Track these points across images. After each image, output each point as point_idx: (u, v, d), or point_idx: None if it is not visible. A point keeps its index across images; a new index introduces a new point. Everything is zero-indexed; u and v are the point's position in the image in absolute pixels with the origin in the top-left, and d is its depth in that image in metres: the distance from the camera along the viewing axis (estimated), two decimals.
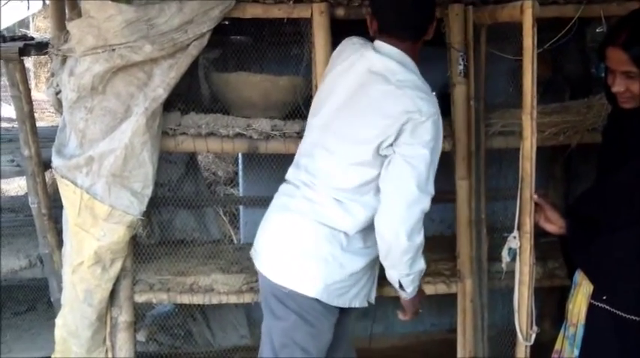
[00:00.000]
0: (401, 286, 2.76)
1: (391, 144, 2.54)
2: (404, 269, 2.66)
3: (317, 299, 2.65)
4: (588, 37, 3.62)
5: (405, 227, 2.54)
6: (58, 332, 3.23)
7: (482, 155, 3.21)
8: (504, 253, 2.71)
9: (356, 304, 2.78)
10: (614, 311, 2.41)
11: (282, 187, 2.82)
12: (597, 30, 3.32)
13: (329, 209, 2.65)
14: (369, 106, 2.57)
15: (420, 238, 2.60)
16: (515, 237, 2.65)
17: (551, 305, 3.90)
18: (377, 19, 2.68)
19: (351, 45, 2.75)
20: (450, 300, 3.43)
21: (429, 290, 3.31)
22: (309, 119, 2.83)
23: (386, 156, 2.57)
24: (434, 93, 2.60)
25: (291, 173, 2.80)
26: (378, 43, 2.67)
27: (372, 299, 2.91)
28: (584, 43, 3.71)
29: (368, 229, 2.67)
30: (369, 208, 2.63)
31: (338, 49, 2.82)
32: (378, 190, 2.60)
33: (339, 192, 2.64)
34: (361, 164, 2.60)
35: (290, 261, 2.69)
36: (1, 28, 4.76)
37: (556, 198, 3.92)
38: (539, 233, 2.64)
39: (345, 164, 2.63)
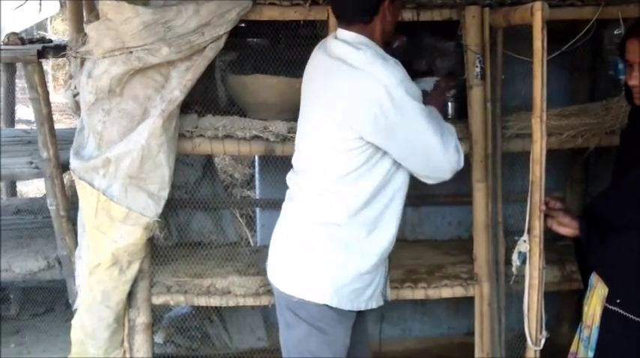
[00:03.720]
0: None
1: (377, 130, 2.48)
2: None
3: (328, 305, 2.59)
4: (606, 39, 3.60)
5: (451, 165, 2.58)
6: (75, 333, 3.24)
7: (499, 157, 3.20)
8: (514, 257, 2.69)
9: (372, 305, 2.72)
10: (627, 315, 2.39)
11: (287, 192, 2.80)
12: (615, 32, 3.30)
13: (320, 203, 2.60)
14: (336, 93, 2.52)
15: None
16: (525, 241, 2.63)
17: (569, 308, 3.88)
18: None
19: (318, 45, 2.74)
20: (467, 303, 3.43)
21: (447, 293, 3.31)
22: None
23: (372, 144, 2.50)
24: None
25: (288, 177, 2.78)
26: (337, 31, 2.64)
27: (387, 296, 2.87)
28: (602, 45, 3.69)
29: (365, 216, 2.60)
30: (361, 191, 2.56)
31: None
32: (368, 175, 2.54)
33: (328, 184, 2.58)
34: (345, 151, 2.52)
35: (295, 269, 2.66)
36: (20, 30, 4.78)
37: (575, 200, 3.91)
38: (556, 236, 2.62)
39: (327, 154, 2.57)
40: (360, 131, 2.46)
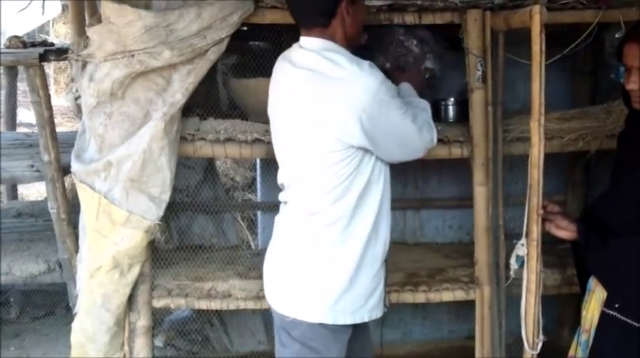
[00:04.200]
0: None
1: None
2: None
3: (322, 324, 2.54)
4: (607, 43, 3.59)
5: (425, 146, 2.64)
6: (75, 336, 3.24)
7: (500, 161, 3.20)
8: (512, 260, 2.69)
9: (377, 315, 2.67)
10: (626, 320, 2.39)
11: (280, 206, 2.75)
12: (616, 35, 3.30)
13: (311, 220, 2.56)
14: (315, 105, 2.45)
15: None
16: (523, 245, 2.63)
17: (569, 311, 3.88)
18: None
19: (281, 57, 2.68)
20: (468, 307, 3.42)
21: (448, 296, 3.31)
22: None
23: (361, 148, 2.47)
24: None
25: (280, 194, 2.73)
26: (300, 39, 2.59)
27: (387, 303, 2.81)
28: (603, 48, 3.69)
29: (357, 227, 2.54)
30: (349, 203, 2.51)
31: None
32: (354, 184, 2.49)
33: (317, 200, 2.52)
34: (333, 164, 2.47)
35: (288, 288, 2.62)
36: (22, 34, 4.78)
37: (576, 203, 3.91)
38: (556, 240, 2.62)
39: (315, 169, 2.51)
40: (349, 140, 2.42)
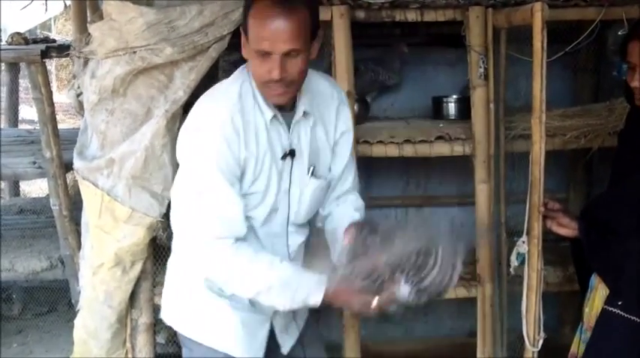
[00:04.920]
0: None
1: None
2: None
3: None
4: (609, 40, 3.59)
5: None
6: (77, 333, 3.24)
7: (502, 158, 3.20)
8: (513, 257, 2.70)
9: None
10: (629, 317, 2.39)
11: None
12: (619, 33, 3.30)
13: None
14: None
15: None
16: (524, 242, 2.63)
17: (571, 309, 3.88)
18: None
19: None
20: (469, 304, 3.42)
21: (449, 294, 3.30)
22: None
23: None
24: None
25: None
26: None
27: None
28: (606, 45, 3.69)
29: None
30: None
31: None
32: None
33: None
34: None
35: None
36: (24, 31, 4.79)
37: (578, 201, 3.91)
38: (558, 237, 2.62)
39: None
40: None
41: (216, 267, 2.18)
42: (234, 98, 2.14)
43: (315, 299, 2.11)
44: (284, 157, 2.22)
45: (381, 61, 3.67)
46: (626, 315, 2.39)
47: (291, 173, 2.25)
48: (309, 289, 2.12)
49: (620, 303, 2.41)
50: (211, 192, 2.12)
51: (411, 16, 3.11)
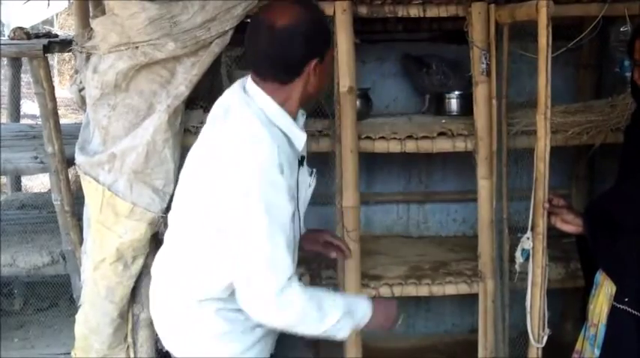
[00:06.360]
0: None
1: None
2: None
3: None
4: (612, 36, 3.59)
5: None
6: (79, 328, 3.24)
7: (504, 154, 3.20)
8: (518, 254, 2.70)
9: None
10: (636, 313, 2.39)
11: None
12: (621, 29, 3.30)
13: None
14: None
15: None
16: (528, 238, 2.63)
17: (574, 306, 3.88)
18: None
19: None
20: (471, 301, 3.42)
21: (451, 290, 3.31)
22: None
23: None
24: None
25: None
26: (249, 81, 2.27)
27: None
28: (608, 41, 3.69)
29: None
30: None
31: None
32: None
33: None
34: None
35: None
36: (26, 25, 4.79)
37: (580, 197, 3.91)
38: (561, 234, 2.62)
39: None
40: None
41: (289, 311, 2.09)
42: (268, 138, 2.09)
43: (367, 319, 2.21)
44: (300, 164, 2.25)
45: (455, 64, 3.66)
46: (633, 312, 2.40)
47: (297, 178, 2.26)
48: (364, 311, 2.20)
49: (626, 300, 2.41)
50: (283, 230, 2.07)
51: (414, 11, 3.11)
